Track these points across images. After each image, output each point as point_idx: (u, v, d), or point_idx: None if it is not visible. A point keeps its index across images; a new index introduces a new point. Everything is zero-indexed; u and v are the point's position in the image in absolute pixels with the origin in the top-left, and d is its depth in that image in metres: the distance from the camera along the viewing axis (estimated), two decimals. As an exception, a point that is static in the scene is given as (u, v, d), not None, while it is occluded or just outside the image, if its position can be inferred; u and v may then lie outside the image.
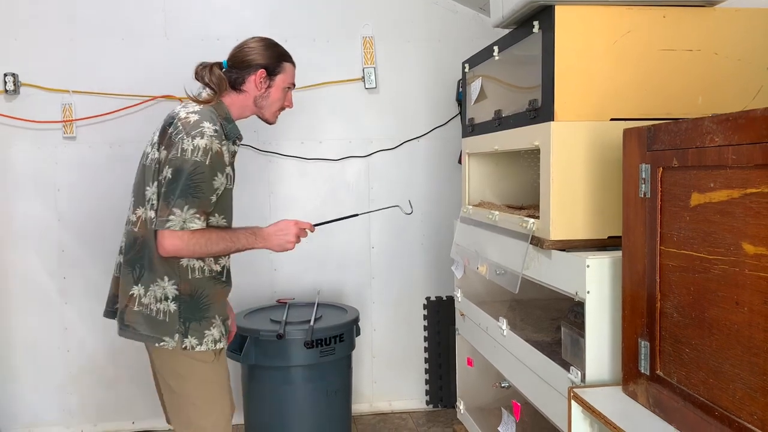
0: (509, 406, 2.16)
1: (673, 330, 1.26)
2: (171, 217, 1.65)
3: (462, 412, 2.67)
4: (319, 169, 3.18)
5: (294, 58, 3.22)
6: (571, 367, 1.62)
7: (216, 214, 1.79)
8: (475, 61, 2.38)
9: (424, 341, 3.30)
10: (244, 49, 1.88)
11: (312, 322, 2.56)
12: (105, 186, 3.03)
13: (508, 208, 2.21)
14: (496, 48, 2.12)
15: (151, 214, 1.74)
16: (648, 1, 1.70)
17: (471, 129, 2.42)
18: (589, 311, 1.55)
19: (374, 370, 3.30)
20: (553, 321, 2.15)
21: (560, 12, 1.66)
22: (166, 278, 1.74)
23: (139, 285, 1.76)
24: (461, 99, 2.62)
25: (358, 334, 2.75)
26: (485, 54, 2.25)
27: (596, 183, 1.68)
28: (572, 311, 1.68)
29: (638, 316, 1.37)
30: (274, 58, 1.88)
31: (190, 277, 1.76)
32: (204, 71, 1.86)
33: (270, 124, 1.99)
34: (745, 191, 1.05)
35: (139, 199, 1.80)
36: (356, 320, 2.72)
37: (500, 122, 2.09)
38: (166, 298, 1.75)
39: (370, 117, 3.19)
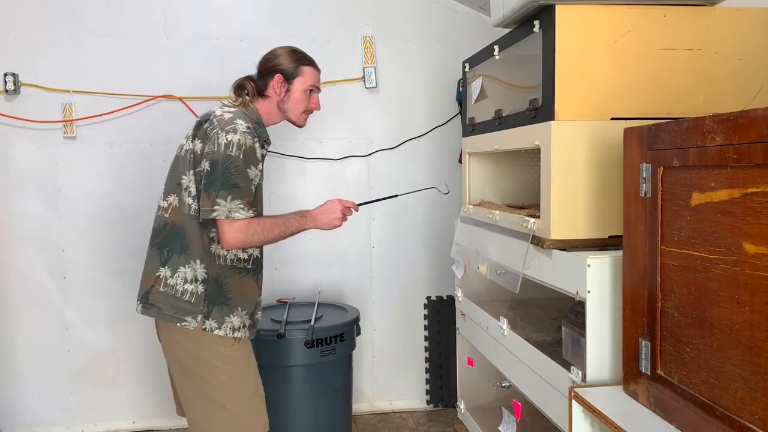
0: (510, 406, 2.16)
1: (673, 330, 1.26)
2: (216, 207, 1.75)
3: (462, 411, 2.67)
4: (320, 168, 3.18)
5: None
6: (572, 367, 1.62)
7: None
8: (475, 60, 2.38)
9: (425, 341, 3.30)
10: (267, 57, 2.00)
11: (312, 322, 2.56)
12: (105, 185, 3.03)
13: (508, 208, 2.21)
14: (496, 47, 2.12)
15: (189, 200, 1.84)
16: (648, 1, 1.69)
17: (471, 128, 2.42)
18: (590, 311, 1.55)
19: (375, 370, 3.30)
20: (553, 320, 2.15)
21: (561, 11, 1.65)
22: (198, 261, 1.84)
23: (166, 267, 1.85)
24: (461, 98, 2.62)
25: (358, 333, 2.75)
26: (485, 53, 2.24)
27: (597, 182, 1.68)
28: (573, 311, 1.68)
29: (639, 315, 1.36)
30: (292, 62, 1.98)
31: (217, 263, 1.86)
32: (238, 86, 1.98)
33: (299, 126, 2.08)
34: (746, 191, 1.05)
35: (171, 187, 1.90)
36: (357, 320, 2.72)
37: (500, 122, 2.08)
38: (196, 280, 1.84)
39: (371, 116, 3.19)
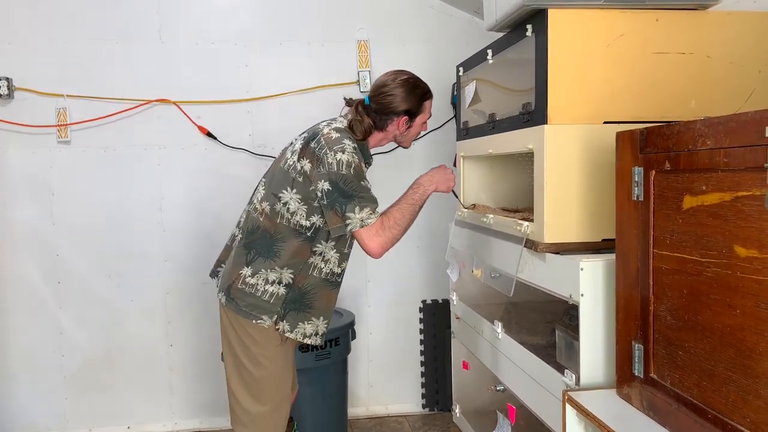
0: (504, 410, 2.15)
1: (666, 333, 1.27)
2: (348, 221, 1.81)
3: (458, 415, 2.67)
4: (315, 172, 3.17)
5: (288, 62, 3.21)
6: (566, 370, 1.62)
7: None
8: (469, 64, 2.39)
9: (420, 344, 3.29)
10: (386, 96, 1.96)
11: (307, 326, 2.55)
12: (99, 190, 3.02)
13: (502, 211, 2.21)
14: (489, 51, 2.13)
15: (288, 215, 1.87)
16: (641, 5, 1.70)
17: (465, 132, 2.42)
18: (584, 314, 1.55)
19: (370, 374, 3.29)
20: (547, 324, 2.15)
21: (553, 15, 1.66)
22: (286, 268, 1.88)
23: (249, 267, 1.90)
24: (456, 102, 2.62)
25: (353, 337, 2.75)
26: (479, 57, 2.25)
27: (590, 186, 1.69)
28: (567, 314, 1.69)
29: (632, 318, 1.37)
30: (416, 102, 1.99)
31: (309, 273, 1.91)
32: (349, 108, 2.01)
33: (405, 148, 2.15)
34: (737, 194, 1.05)
35: (268, 195, 1.92)
36: (352, 324, 2.71)
37: (494, 125, 2.09)
38: (280, 282, 1.88)
39: (366, 120, 3.18)
